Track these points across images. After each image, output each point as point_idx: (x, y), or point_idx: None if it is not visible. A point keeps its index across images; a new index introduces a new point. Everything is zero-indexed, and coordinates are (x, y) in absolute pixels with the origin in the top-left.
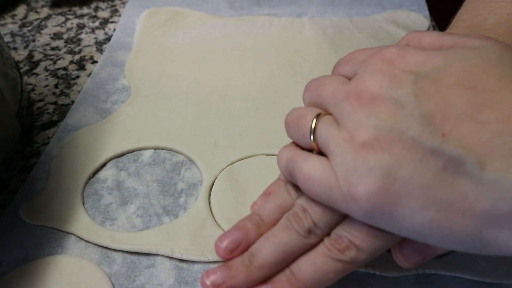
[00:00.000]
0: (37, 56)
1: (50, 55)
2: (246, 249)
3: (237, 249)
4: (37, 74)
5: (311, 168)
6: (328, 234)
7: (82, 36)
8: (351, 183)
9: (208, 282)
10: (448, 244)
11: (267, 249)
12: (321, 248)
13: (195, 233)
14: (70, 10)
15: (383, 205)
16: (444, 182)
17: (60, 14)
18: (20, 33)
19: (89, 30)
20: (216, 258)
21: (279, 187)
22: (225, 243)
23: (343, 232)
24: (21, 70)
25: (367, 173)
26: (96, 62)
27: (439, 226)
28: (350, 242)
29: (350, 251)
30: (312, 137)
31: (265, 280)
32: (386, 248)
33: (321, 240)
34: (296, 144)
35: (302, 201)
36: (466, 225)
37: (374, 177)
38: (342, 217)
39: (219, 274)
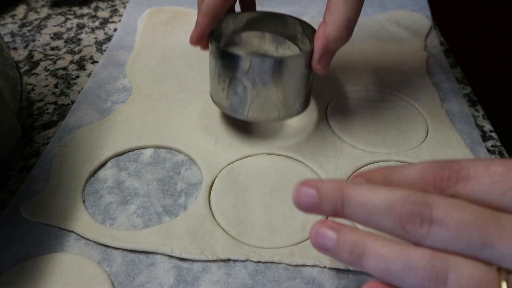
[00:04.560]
0: (37, 56)
1: (50, 55)
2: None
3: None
4: (37, 74)
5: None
6: None
7: (82, 36)
8: None
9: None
10: None
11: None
12: None
13: (194, 232)
14: (70, 10)
15: None
16: None
17: (60, 14)
18: (20, 33)
19: (89, 30)
20: (215, 257)
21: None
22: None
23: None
24: (21, 70)
25: None
26: (96, 62)
27: None
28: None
29: None
30: None
31: None
32: None
33: None
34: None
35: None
36: None
37: None
38: None
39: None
